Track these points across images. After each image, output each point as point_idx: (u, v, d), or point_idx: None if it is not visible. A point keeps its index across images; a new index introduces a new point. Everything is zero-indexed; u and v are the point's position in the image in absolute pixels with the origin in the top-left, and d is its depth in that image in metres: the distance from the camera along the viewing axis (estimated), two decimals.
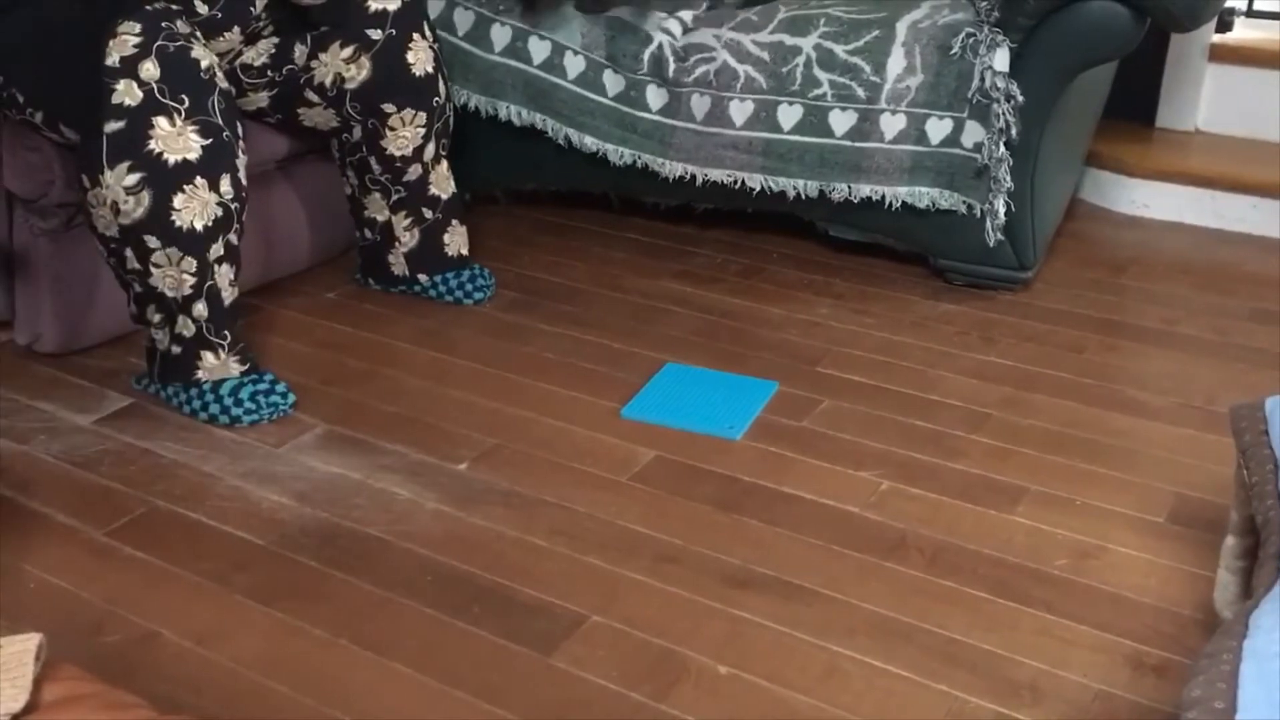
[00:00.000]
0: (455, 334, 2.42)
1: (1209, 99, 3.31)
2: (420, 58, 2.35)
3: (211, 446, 2.00)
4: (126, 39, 1.89)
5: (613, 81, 2.68)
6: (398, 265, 2.53)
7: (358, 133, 2.39)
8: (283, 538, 1.77)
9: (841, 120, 2.54)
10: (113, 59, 1.89)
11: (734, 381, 2.23)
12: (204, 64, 1.95)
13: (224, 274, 2.02)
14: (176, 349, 2.05)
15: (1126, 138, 3.24)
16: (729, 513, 1.85)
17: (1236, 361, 2.36)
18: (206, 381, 2.06)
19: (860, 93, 2.52)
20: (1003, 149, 2.45)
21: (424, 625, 1.60)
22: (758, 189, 2.62)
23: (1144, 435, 2.09)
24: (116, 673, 1.45)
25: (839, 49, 2.54)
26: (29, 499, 1.85)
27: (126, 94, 1.89)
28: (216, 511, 1.83)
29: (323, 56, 2.31)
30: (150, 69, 1.89)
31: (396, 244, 2.50)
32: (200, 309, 2.01)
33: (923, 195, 2.53)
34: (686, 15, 2.70)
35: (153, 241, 1.94)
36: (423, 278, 2.54)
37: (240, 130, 2.02)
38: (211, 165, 1.95)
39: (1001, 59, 2.42)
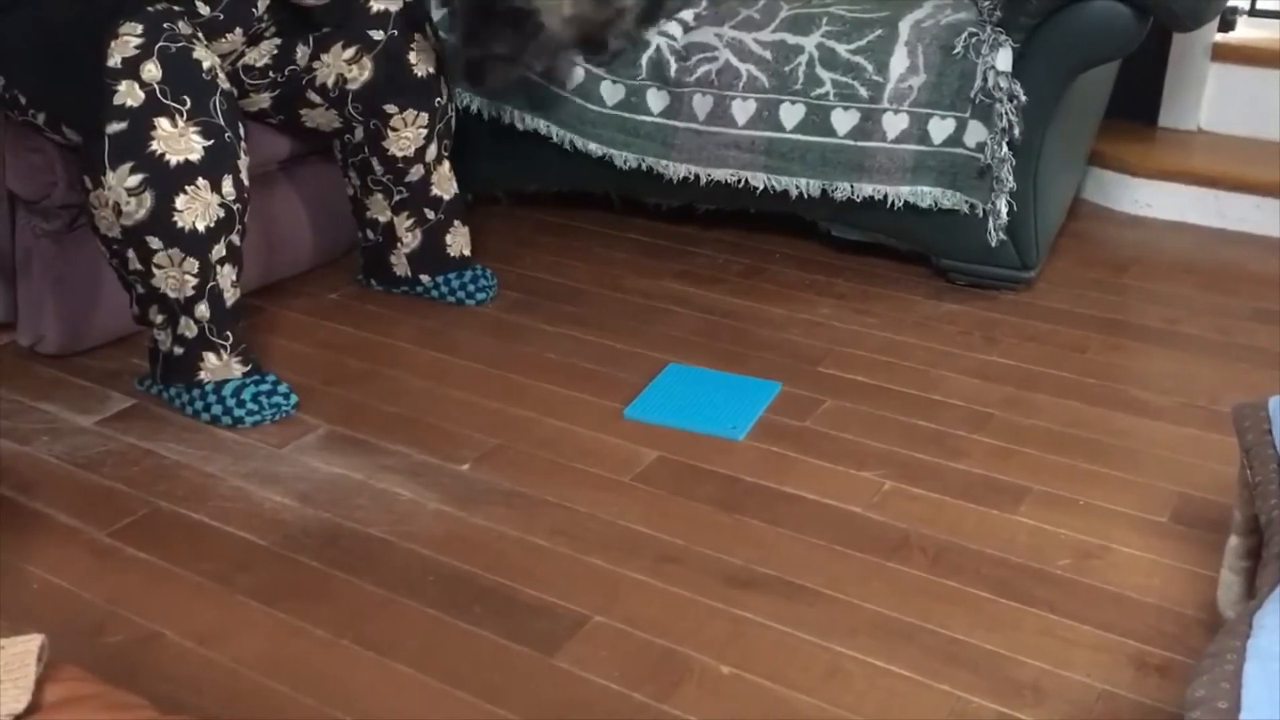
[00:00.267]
0: (457, 335, 2.42)
1: (1211, 98, 3.30)
2: (422, 58, 2.35)
3: (214, 447, 2.00)
4: (128, 40, 1.89)
5: (611, 91, 2.68)
6: (400, 266, 2.53)
7: (360, 133, 2.39)
8: (285, 538, 1.77)
9: (844, 119, 2.54)
10: (114, 60, 1.89)
11: (736, 382, 2.23)
12: (206, 65, 1.95)
13: (226, 275, 2.02)
14: (179, 350, 2.05)
15: (1129, 137, 3.24)
16: (731, 513, 1.85)
17: (1239, 361, 2.36)
18: (209, 382, 2.07)
19: (863, 92, 2.52)
20: (1005, 149, 2.44)
21: (426, 625, 1.60)
22: (761, 188, 2.62)
23: (1147, 435, 2.08)
24: (118, 673, 1.44)
25: (841, 48, 2.54)
26: (31, 500, 1.85)
27: (128, 95, 1.89)
28: (219, 512, 1.83)
29: (325, 57, 2.31)
30: (152, 70, 1.89)
31: (398, 245, 2.50)
32: (202, 310, 2.02)
33: (925, 195, 2.53)
34: (688, 15, 2.70)
35: (155, 242, 1.95)
36: (425, 278, 2.54)
37: (242, 131, 2.02)
38: (213, 166, 1.95)
39: (1004, 58, 2.42)
